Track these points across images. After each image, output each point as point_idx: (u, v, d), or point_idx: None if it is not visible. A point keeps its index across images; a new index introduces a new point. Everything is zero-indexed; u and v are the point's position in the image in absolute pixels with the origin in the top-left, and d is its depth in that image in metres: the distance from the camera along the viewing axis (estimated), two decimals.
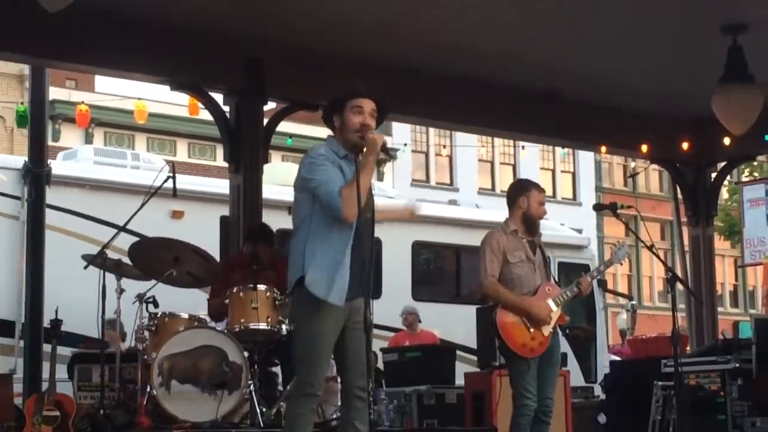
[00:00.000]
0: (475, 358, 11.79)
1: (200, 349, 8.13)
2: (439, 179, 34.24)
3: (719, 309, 16.24)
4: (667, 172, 15.34)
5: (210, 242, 10.42)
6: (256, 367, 8.43)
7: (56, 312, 8.46)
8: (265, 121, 11.26)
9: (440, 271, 16.51)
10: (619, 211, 8.01)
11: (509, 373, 7.66)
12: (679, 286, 7.99)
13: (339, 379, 7.51)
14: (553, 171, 36.98)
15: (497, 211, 12.10)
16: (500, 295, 7.59)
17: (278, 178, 14.33)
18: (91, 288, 8.54)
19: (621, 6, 10.09)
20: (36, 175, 11.65)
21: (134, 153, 17.44)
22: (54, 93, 19.12)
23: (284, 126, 12.24)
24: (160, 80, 10.95)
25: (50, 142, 13.07)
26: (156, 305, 8.55)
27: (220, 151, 20.23)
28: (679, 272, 13.50)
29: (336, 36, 10.66)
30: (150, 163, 15.32)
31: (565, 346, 10.16)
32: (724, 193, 27.45)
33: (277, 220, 9.99)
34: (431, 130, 32.54)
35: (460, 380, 10.54)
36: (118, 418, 8.14)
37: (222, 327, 8.70)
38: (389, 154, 5.87)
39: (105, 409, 8.25)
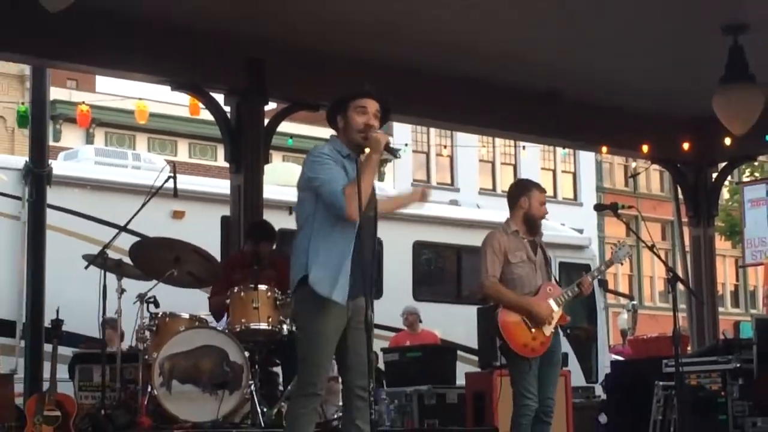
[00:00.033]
0: (476, 358, 11.78)
1: (201, 349, 8.13)
2: (439, 179, 34.24)
3: (720, 309, 16.24)
4: (668, 172, 15.34)
5: (211, 242, 10.42)
6: (256, 367, 8.42)
7: (57, 312, 8.46)
8: (266, 121, 11.28)
9: (441, 271, 16.51)
10: (619, 211, 8.01)
11: (510, 373, 7.65)
12: (680, 286, 7.99)
13: (340, 379, 7.54)
14: (554, 171, 36.99)
15: (498, 211, 12.10)
16: (501, 295, 7.59)
17: (279, 179, 14.34)
18: (91, 288, 8.55)
19: (622, 6, 10.09)
20: (37, 175, 11.67)
21: (135, 153, 17.46)
22: (55, 93, 19.12)
23: (285, 126, 12.25)
24: (160, 80, 10.96)
25: (51, 143, 13.08)
26: (157, 305, 8.54)
27: (220, 152, 20.25)
28: (680, 272, 13.52)
29: (337, 36, 10.66)
30: (151, 164, 15.33)
31: (566, 346, 10.16)
32: (725, 193, 27.45)
33: (277, 221, 10.00)
34: (432, 130, 32.54)
35: (461, 380, 10.54)
36: (119, 418, 8.14)
37: (223, 327, 8.70)
38: (393, 152, 5.86)
39: (106, 409, 8.25)
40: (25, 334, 11.58)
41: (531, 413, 7.45)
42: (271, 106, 12.03)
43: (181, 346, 8.11)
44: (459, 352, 12.42)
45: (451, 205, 17.91)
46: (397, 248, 14.65)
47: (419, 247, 15.64)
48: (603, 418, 11.35)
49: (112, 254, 8.72)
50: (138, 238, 9.44)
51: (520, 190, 7.86)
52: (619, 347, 22.24)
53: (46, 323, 10.16)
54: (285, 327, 8.58)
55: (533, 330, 7.54)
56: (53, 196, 11.96)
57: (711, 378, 10.29)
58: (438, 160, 34.05)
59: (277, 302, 8.49)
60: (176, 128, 29.34)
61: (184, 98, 14.05)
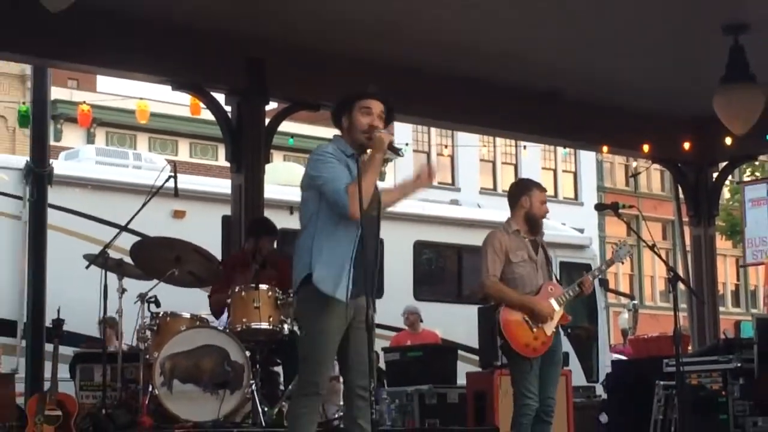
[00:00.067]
0: (476, 357, 11.79)
1: (202, 348, 8.12)
2: (440, 179, 34.22)
3: (721, 309, 16.25)
4: (669, 171, 15.35)
5: (212, 242, 10.43)
6: (257, 366, 8.42)
7: (58, 312, 8.45)
8: (267, 120, 11.28)
9: (442, 271, 16.51)
10: (620, 210, 8.02)
11: (511, 372, 7.65)
12: (681, 286, 7.99)
13: (341, 379, 7.54)
14: (555, 171, 36.99)
15: (499, 210, 12.10)
16: (502, 294, 7.58)
17: (280, 178, 14.35)
18: (92, 288, 8.56)
19: (622, 6, 10.09)
20: (38, 175, 11.68)
21: (136, 153, 17.47)
22: (56, 93, 19.11)
23: (286, 126, 12.26)
24: (161, 80, 10.96)
25: (52, 142, 13.09)
26: (158, 305, 8.54)
27: (221, 151, 20.24)
28: (680, 272, 13.52)
29: (337, 36, 10.66)
30: (152, 163, 15.33)
31: (566, 345, 10.15)
32: (726, 193, 27.45)
33: (278, 220, 9.99)
34: (433, 129, 32.55)
35: (461, 380, 10.54)
36: (120, 417, 8.14)
37: (223, 326, 8.70)
38: (396, 151, 5.88)
39: (107, 408, 8.25)
40: (26, 334, 11.59)
41: (532, 413, 7.46)
42: (272, 105, 12.03)
43: (182, 345, 8.11)
44: (460, 352, 12.42)
45: (452, 204, 17.92)
46: (398, 248, 14.65)
47: (420, 247, 15.65)
48: (604, 418, 11.35)
49: (113, 254, 8.72)
50: (139, 238, 9.44)
51: (521, 190, 7.86)
52: (620, 347, 22.25)
53: (47, 323, 10.17)
54: (286, 326, 8.58)
55: (535, 330, 7.53)
56: (54, 195, 11.97)
57: (712, 377, 10.30)
58: (439, 159, 34.05)
59: (278, 302, 8.49)
60: (177, 128, 29.34)
61: (185, 98, 14.06)
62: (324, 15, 10.22)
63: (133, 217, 8.73)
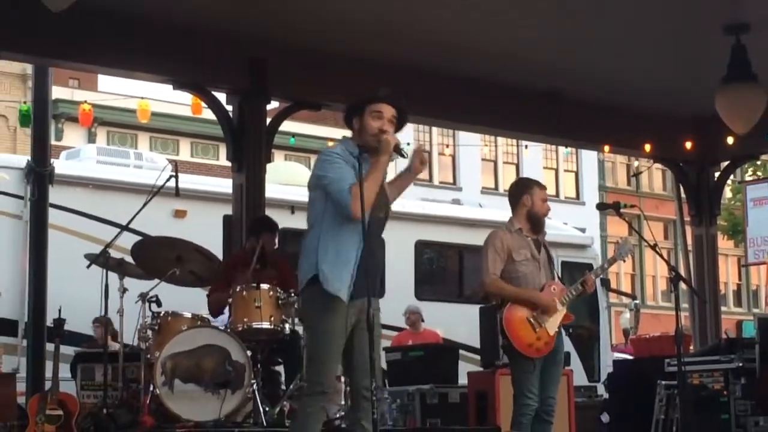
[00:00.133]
0: (478, 357, 11.80)
1: (203, 348, 8.12)
2: (442, 178, 34.24)
3: (722, 308, 16.23)
4: (671, 171, 15.34)
5: (213, 241, 10.45)
6: (259, 366, 8.42)
7: (59, 311, 8.45)
8: (268, 120, 11.28)
9: (443, 271, 16.52)
10: (622, 210, 8.00)
11: (512, 372, 7.63)
12: (683, 286, 7.98)
13: (342, 379, 7.54)
14: (557, 170, 36.98)
15: (500, 210, 12.10)
16: (503, 291, 7.56)
17: (281, 178, 14.37)
18: (94, 287, 8.57)
19: (623, 5, 10.09)
20: (39, 175, 11.69)
21: (137, 152, 17.45)
22: (57, 92, 19.09)
23: (287, 125, 12.25)
24: (163, 80, 10.97)
25: (53, 142, 13.12)
26: (159, 304, 8.54)
27: (222, 151, 20.24)
28: (682, 271, 13.54)
29: (337, 36, 10.67)
30: (153, 163, 15.33)
31: (568, 345, 10.16)
32: (728, 192, 27.42)
33: (280, 220, 9.99)
34: (434, 129, 32.52)
35: (463, 379, 10.55)
36: (121, 417, 8.14)
37: (224, 326, 8.71)
38: (402, 153, 5.89)
39: (108, 408, 8.27)
40: (28, 334, 11.61)
41: (532, 413, 7.46)
42: (273, 105, 12.04)
43: (183, 345, 8.11)
44: (461, 352, 12.44)
45: (454, 204, 17.92)
46: (399, 247, 14.65)
47: (421, 247, 15.65)
48: (605, 418, 11.34)
49: (114, 253, 8.73)
50: (140, 237, 9.44)
51: (522, 189, 7.85)
52: (622, 346, 22.25)
53: (49, 322, 10.19)
54: (287, 326, 8.58)
55: (537, 330, 7.52)
56: (55, 195, 11.99)
57: (713, 377, 10.30)
58: (440, 159, 34.04)
59: (279, 301, 8.49)
60: (178, 127, 29.35)
61: (186, 97, 14.06)
62: (324, 15, 10.22)
63: (134, 217, 8.74)
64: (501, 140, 33.85)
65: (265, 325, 8.42)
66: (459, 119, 13.19)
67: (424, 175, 33.92)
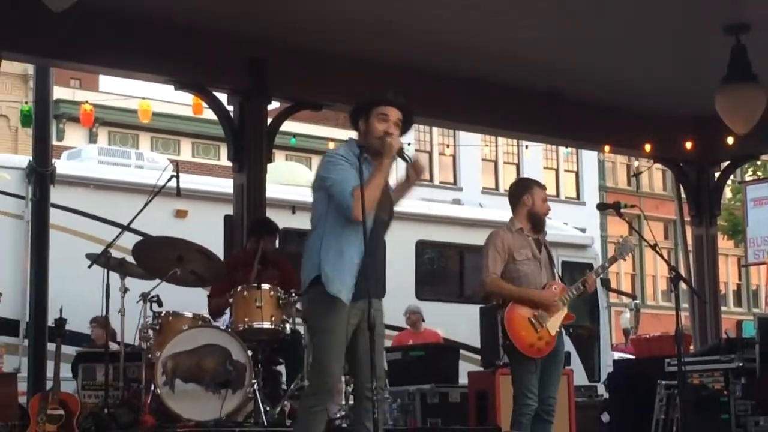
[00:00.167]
0: (478, 357, 11.81)
1: (204, 348, 8.14)
2: (442, 179, 34.25)
3: (722, 308, 16.23)
4: (671, 171, 15.35)
5: (214, 241, 10.47)
6: (259, 366, 8.43)
7: (60, 311, 8.45)
8: (269, 120, 11.30)
9: (444, 271, 16.53)
10: (622, 210, 8.01)
11: (513, 372, 7.63)
12: (683, 286, 8.00)
13: (343, 379, 7.55)
14: (557, 170, 37.00)
15: (501, 210, 12.10)
16: (503, 290, 7.56)
17: (282, 178, 14.38)
18: (95, 287, 8.57)
19: (623, 5, 10.09)
20: (40, 175, 11.70)
21: (138, 152, 17.47)
22: (58, 92, 19.11)
23: (288, 125, 12.27)
24: (164, 80, 10.98)
25: (54, 142, 13.13)
26: (160, 304, 8.55)
27: (223, 151, 20.26)
28: (682, 271, 13.54)
29: (337, 36, 10.68)
30: (154, 163, 15.34)
31: (568, 345, 10.17)
32: (728, 193, 27.43)
33: (280, 220, 10.01)
34: (435, 129, 32.55)
35: (463, 379, 10.56)
36: (123, 416, 8.15)
37: (225, 326, 8.72)
38: (404, 158, 5.91)
39: (109, 407, 8.26)
40: (29, 333, 11.62)
41: (532, 412, 7.47)
42: (274, 105, 12.05)
43: (184, 345, 8.12)
44: (462, 351, 12.44)
45: (454, 204, 17.93)
46: (400, 247, 14.65)
47: (422, 247, 15.66)
48: (605, 417, 11.35)
49: (115, 253, 8.73)
50: (141, 237, 9.45)
51: (522, 189, 7.86)
52: (622, 346, 22.26)
53: (50, 322, 10.20)
54: (288, 326, 8.60)
55: (539, 330, 7.53)
56: (57, 195, 11.99)
57: (713, 377, 10.31)
58: (441, 159, 34.06)
59: (280, 301, 8.51)
60: (179, 127, 29.37)
61: (187, 98, 14.07)
62: (324, 15, 10.23)
63: (135, 217, 8.74)
64: (501, 140, 33.86)
65: (266, 324, 8.44)
66: (459, 119, 13.20)
67: (425, 174, 33.92)
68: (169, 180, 8.83)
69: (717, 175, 14.52)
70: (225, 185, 12.62)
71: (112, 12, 9.83)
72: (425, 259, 15.92)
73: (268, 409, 8.27)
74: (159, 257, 8.58)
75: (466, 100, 12.03)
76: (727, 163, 14.61)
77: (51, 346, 9.35)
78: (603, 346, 17.01)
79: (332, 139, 24.53)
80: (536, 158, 34.74)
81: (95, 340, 11.82)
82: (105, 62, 10.65)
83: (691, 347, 12.99)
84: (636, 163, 31.35)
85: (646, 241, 8.51)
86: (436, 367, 10.93)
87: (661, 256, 8.52)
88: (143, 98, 17.36)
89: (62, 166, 13.00)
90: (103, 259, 8.58)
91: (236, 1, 9.96)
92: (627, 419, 11.06)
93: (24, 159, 12.79)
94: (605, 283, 17.79)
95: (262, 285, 8.49)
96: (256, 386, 8.18)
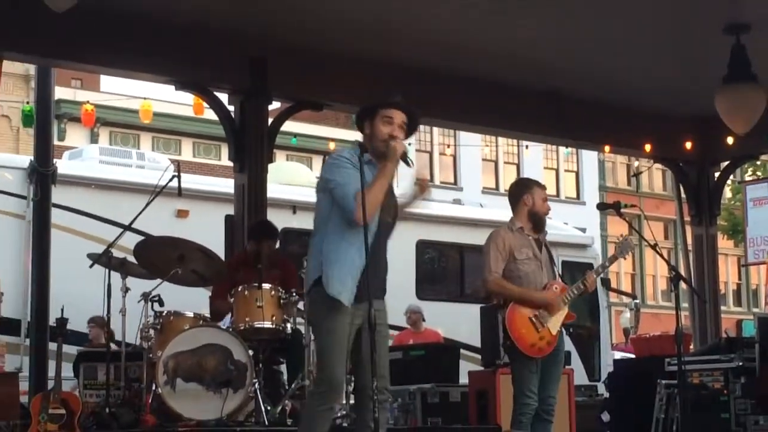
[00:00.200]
0: (479, 356, 11.82)
1: (205, 347, 8.15)
2: (443, 178, 34.27)
3: (722, 308, 16.25)
4: (671, 171, 15.36)
5: (215, 241, 10.48)
6: (260, 365, 8.45)
7: (62, 311, 8.45)
8: (270, 120, 11.31)
9: (444, 270, 16.54)
10: (622, 210, 8.02)
11: (513, 372, 7.64)
12: (683, 285, 8.01)
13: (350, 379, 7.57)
14: (557, 170, 37.02)
15: (501, 210, 12.11)
16: (505, 289, 7.57)
17: (283, 178, 14.39)
18: (96, 287, 8.58)
19: (623, 5, 10.10)
20: (42, 175, 11.72)
21: (139, 152, 17.48)
22: (59, 92, 19.09)
23: (288, 125, 12.29)
24: (165, 80, 11.00)
25: (56, 142, 13.15)
26: (161, 304, 8.57)
27: (224, 151, 20.28)
28: (682, 271, 13.56)
29: (337, 36, 10.69)
30: (155, 163, 15.36)
31: (568, 344, 10.20)
32: (728, 192, 27.43)
33: (281, 219, 10.04)
34: (435, 129, 32.57)
35: (464, 379, 10.57)
36: (124, 416, 8.16)
37: (227, 325, 8.74)
38: (407, 162, 5.93)
39: (110, 407, 8.27)
40: (30, 333, 11.64)
41: (532, 412, 7.48)
42: (275, 105, 12.07)
43: (186, 344, 8.13)
44: (462, 351, 12.45)
45: (455, 204, 17.94)
46: (400, 247, 14.60)
47: (422, 246, 15.67)
48: (605, 417, 11.37)
49: (116, 253, 8.74)
50: (142, 237, 9.46)
51: (521, 189, 7.88)
52: (622, 346, 22.26)
53: (51, 322, 10.21)
54: (289, 325, 8.62)
55: (540, 330, 7.54)
56: (58, 195, 12.00)
57: (713, 376, 10.32)
58: (441, 159, 34.08)
59: (281, 301, 8.53)
60: (180, 127, 29.39)
61: (188, 98, 14.08)
62: (324, 15, 10.24)
63: (136, 217, 8.76)
64: (501, 140, 33.88)
65: (267, 324, 8.46)
66: (459, 119, 13.21)
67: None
68: (170, 180, 8.84)
69: (717, 175, 14.54)
70: (226, 185, 12.64)
71: (113, 12, 9.85)
72: (426, 258, 15.93)
73: (269, 408, 8.28)
74: (160, 257, 8.59)
75: (465, 100, 12.04)
76: (726, 163, 14.63)
77: (52, 346, 9.34)
78: (603, 346, 17.02)
79: (333, 139, 24.58)
80: (536, 158, 34.76)
81: (93, 339, 11.84)
82: (106, 62, 10.67)
83: (691, 347, 13.00)
84: (636, 163, 31.34)
85: (646, 241, 8.53)
86: (437, 366, 10.94)
87: (661, 255, 8.53)
88: (144, 98, 17.38)
89: (63, 166, 13.02)
90: (104, 259, 8.59)
91: (236, 1, 9.97)
92: (627, 418, 11.08)
93: (25, 159, 12.81)
94: (605, 282, 17.80)
95: (263, 285, 8.51)
96: (257, 386, 8.19)
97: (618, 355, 18.15)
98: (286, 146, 24.02)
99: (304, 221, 13.29)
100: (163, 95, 20.87)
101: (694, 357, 10.87)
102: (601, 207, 8.84)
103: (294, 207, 13.60)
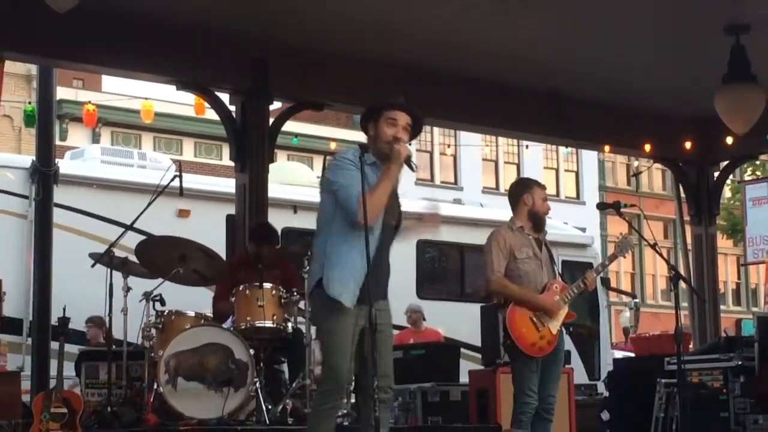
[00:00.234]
0: (479, 355, 11.85)
1: (206, 346, 8.18)
2: (443, 178, 34.29)
3: (722, 307, 16.28)
4: (670, 171, 15.38)
5: (216, 241, 10.49)
6: (261, 364, 8.48)
7: (64, 310, 8.48)
8: (271, 120, 11.33)
9: (445, 270, 16.56)
10: (622, 209, 8.04)
11: (514, 371, 7.66)
12: (682, 285, 8.02)
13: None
14: (557, 170, 37.02)
15: (501, 209, 12.14)
16: (507, 290, 7.59)
17: (284, 177, 14.42)
18: (98, 286, 8.60)
19: (623, 5, 10.11)
20: (44, 174, 11.73)
21: (141, 152, 17.49)
22: (61, 93, 19.16)
23: (289, 125, 12.31)
24: (166, 80, 11.02)
25: (58, 142, 13.17)
26: (163, 303, 8.60)
27: (226, 151, 20.23)
28: (682, 270, 13.58)
29: (337, 36, 10.70)
30: (157, 163, 15.38)
31: (568, 343, 10.21)
32: (727, 192, 27.47)
33: (282, 219, 10.06)
34: (435, 129, 32.55)
35: (464, 378, 10.60)
36: (125, 415, 8.19)
37: (228, 325, 8.77)
38: (410, 166, 5.96)
39: (112, 406, 8.29)
40: (32, 332, 11.65)
41: (532, 411, 7.50)
42: (276, 105, 12.09)
43: (187, 343, 8.16)
44: (462, 350, 12.46)
45: (455, 203, 17.96)
46: (401, 247, 14.61)
47: (423, 246, 15.69)
48: (605, 415, 11.39)
49: (118, 252, 8.76)
50: (144, 237, 9.50)
51: (521, 189, 7.90)
52: (622, 345, 22.27)
53: (53, 321, 10.23)
54: (290, 325, 8.65)
55: (541, 329, 7.56)
56: (60, 194, 12.02)
57: (713, 375, 10.34)
58: (442, 159, 34.09)
59: (282, 300, 8.56)
60: (182, 127, 29.40)
61: (189, 98, 14.10)
62: (324, 15, 10.26)
63: (138, 217, 8.79)
64: (502, 140, 33.89)
65: (268, 323, 8.49)
66: (459, 119, 13.22)
67: (425, 174, 33.99)
68: (171, 180, 8.87)
69: (716, 174, 14.55)
70: (227, 185, 12.65)
71: (114, 12, 9.87)
72: (426, 258, 15.95)
73: (270, 407, 8.31)
74: (162, 256, 8.62)
75: (466, 100, 12.05)
76: (726, 162, 14.64)
77: (54, 345, 9.36)
78: (603, 345, 17.04)
79: (334, 139, 24.63)
80: (536, 158, 34.78)
81: (91, 339, 11.87)
82: (107, 62, 10.69)
83: (691, 346, 13.02)
84: (636, 163, 31.35)
85: (645, 241, 8.54)
86: (437, 365, 10.96)
87: (661, 255, 8.56)
88: (146, 98, 17.41)
89: (65, 165, 13.04)
90: (106, 259, 8.61)
91: (237, 2, 9.99)
92: (627, 417, 11.10)
93: (27, 159, 12.83)
94: (605, 282, 17.82)
95: (264, 284, 8.53)
96: (258, 385, 8.22)
97: (620, 354, 18.16)
98: (287, 146, 24.05)
99: (305, 221, 13.37)
100: (164, 95, 20.92)
101: (694, 356, 10.88)
102: (601, 207, 8.87)
103: (295, 207, 13.63)
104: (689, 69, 11.67)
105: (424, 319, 14.04)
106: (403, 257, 14.79)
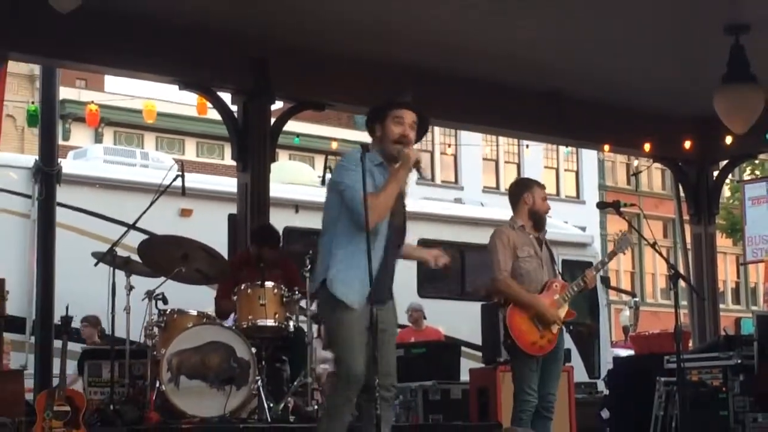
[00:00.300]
0: (479, 354, 11.88)
1: (209, 345, 8.21)
2: (444, 178, 34.31)
3: (721, 306, 16.29)
4: (670, 170, 15.39)
5: (218, 240, 10.52)
6: (263, 363, 8.49)
7: (66, 309, 8.49)
8: (273, 120, 11.36)
9: (445, 269, 16.54)
10: (622, 209, 8.07)
11: (514, 369, 7.69)
12: (682, 283, 8.05)
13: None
14: (557, 169, 37.04)
15: (501, 209, 12.18)
16: (511, 291, 7.62)
17: (285, 177, 14.44)
18: (101, 285, 8.64)
19: (623, 5, 10.13)
20: (46, 174, 11.75)
21: (143, 152, 17.52)
22: (64, 93, 19.21)
23: (291, 125, 12.35)
24: (168, 80, 11.04)
25: (60, 141, 13.17)
26: (165, 302, 8.62)
27: (228, 150, 20.24)
28: (681, 269, 13.61)
29: (337, 36, 10.71)
30: (159, 162, 15.41)
31: (568, 342, 10.24)
32: (726, 192, 27.49)
33: (284, 219, 10.08)
34: (436, 129, 32.55)
35: (465, 376, 10.63)
36: (128, 413, 8.21)
37: (230, 323, 8.81)
38: (420, 172, 5.98)
39: (115, 404, 8.31)
40: (35, 331, 11.66)
41: (532, 409, 7.54)
42: (278, 105, 12.12)
43: (189, 342, 8.20)
44: (463, 348, 12.48)
45: (456, 203, 17.99)
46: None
47: (424, 245, 15.60)
48: (605, 414, 11.42)
49: (120, 252, 8.77)
50: (146, 236, 9.53)
51: (521, 188, 7.94)
52: (622, 343, 22.28)
53: (56, 320, 10.27)
54: (291, 323, 8.69)
55: (541, 328, 7.61)
56: (63, 194, 12.04)
57: (712, 374, 10.36)
58: (442, 158, 34.11)
59: (284, 299, 8.59)
60: (184, 127, 29.43)
61: (191, 98, 14.14)
62: (324, 16, 10.27)
63: (140, 216, 8.79)
64: (502, 140, 33.91)
65: (270, 322, 8.52)
66: (459, 119, 13.23)
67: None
68: (174, 179, 8.88)
69: (716, 174, 14.56)
70: (229, 184, 12.67)
71: (116, 13, 9.89)
72: None
73: (271, 405, 8.33)
74: (164, 256, 8.65)
75: (466, 100, 12.07)
76: (725, 162, 14.66)
77: (57, 344, 9.39)
78: (603, 344, 17.07)
79: (335, 139, 24.64)
80: (537, 158, 34.79)
81: (87, 339, 11.90)
82: (109, 62, 10.71)
83: (690, 344, 13.05)
84: (635, 163, 31.34)
85: (645, 240, 8.57)
86: (438, 364, 10.99)
87: (661, 254, 8.59)
88: (148, 98, 17.47)
89: (68, 165, 13.05)
90: (108, 258, 8.63)
91: (236, 2, 10.02)
92: (626, 415, 11.13)
93: (30, 158, 12.86)
94: (605, 281, 17.86)
95: (266, 283, 8.56)
96: (259, 383, 8.24)
97: (623, 353, 18.18)
98: (288, 146, 24.10)
99: (307, 220, 13.41)
100: (166, 95, 20.99)
101: (693, 355, 10.90)
102: (601, 206, 8.89)
103: (296, 206, 13.66)
104: (689, 69, 11.69)
105: (425, 318, 14.07)
106: None
